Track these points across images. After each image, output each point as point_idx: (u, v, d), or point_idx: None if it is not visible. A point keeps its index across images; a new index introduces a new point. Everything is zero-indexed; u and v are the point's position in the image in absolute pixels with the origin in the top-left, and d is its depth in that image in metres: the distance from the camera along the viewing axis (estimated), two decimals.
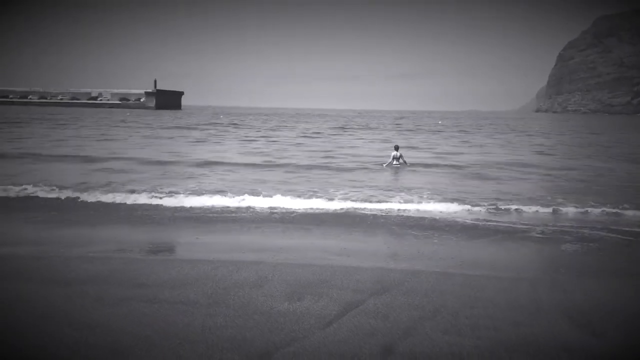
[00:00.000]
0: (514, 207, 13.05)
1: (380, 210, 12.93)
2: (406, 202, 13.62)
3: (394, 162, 21.51)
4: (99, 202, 13.02)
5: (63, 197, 13.37)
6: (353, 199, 14.00)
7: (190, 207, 12.64)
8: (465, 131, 57.10)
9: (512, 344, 4.83)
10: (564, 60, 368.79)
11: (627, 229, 10.77)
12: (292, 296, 6.00)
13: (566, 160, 26.10)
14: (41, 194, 13.71)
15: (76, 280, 6.41)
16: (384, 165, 21.82)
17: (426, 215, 12.77)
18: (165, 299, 5.83)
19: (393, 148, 22.63)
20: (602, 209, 12.80)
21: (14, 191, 14.05)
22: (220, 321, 5.21)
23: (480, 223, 11.97)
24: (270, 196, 14.10)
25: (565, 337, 5.02)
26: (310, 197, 14.28)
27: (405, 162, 21.72)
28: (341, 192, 15.07)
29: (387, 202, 13.59)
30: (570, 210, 12.84)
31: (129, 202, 13.17)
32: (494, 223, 12.00)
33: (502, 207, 13.00)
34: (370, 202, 13.55)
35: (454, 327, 5.21)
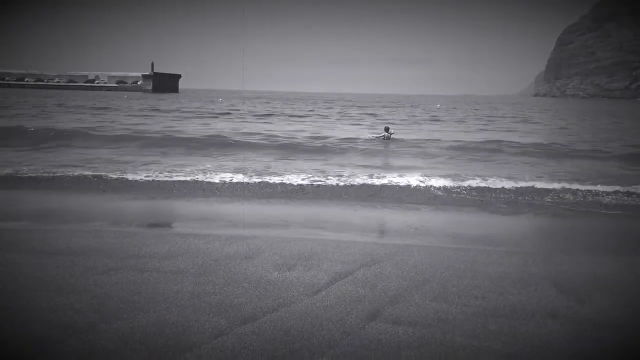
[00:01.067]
0: (507, 183, 13.07)
1: (374, 185, 12.94)
2: (400, 177, 13.65)
3: (383, 139, 23.63)
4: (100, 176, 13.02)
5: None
6: (347, 175, 14.03)
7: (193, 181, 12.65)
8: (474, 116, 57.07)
9: (498, 310, 4.86)
10: (563, 45, 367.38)
11: (617, 206, 10.80)
12: (282, 267, 6.02)
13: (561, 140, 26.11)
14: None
15: (66, 251, 6.42)
16: (370, 135, 24.46)
17: (418, 190, 12.79)
18: (154, 268, 5.85)
19: (384, 129, 24.59)
20: (598, 186, 12.83)
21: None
22: (208, 289, 5.23)
23: (473, 198, 12.00)
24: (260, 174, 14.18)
25: (551, 303, 5.05)
26: (306, 173, 14.32)
27: (391, 135, 23.78)
28: (336, 170, 15.07)
29: (381, 177, 13.61)
30: (562, 186, 12.85)
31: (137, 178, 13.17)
32: (487, 198, 12.03)
33: (496, 184, 13.01)
34: (364, 177, 13.57)
35: (442, 295, 5.23)
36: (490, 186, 12.90)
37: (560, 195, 12.21)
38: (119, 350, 3.88)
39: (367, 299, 5.05)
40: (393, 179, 13.56)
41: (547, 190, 12.39)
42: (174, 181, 12.91)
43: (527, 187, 12.62)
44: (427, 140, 24.32)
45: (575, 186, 12.96)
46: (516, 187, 12.65)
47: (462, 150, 21.32)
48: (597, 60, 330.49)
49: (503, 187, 12.73)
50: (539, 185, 12.98)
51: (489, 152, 20.91)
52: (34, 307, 4.62)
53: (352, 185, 12.88)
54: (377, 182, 13.28)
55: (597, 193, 12.34)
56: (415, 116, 49.71)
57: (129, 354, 3.83)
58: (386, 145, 22.59)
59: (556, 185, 12.93)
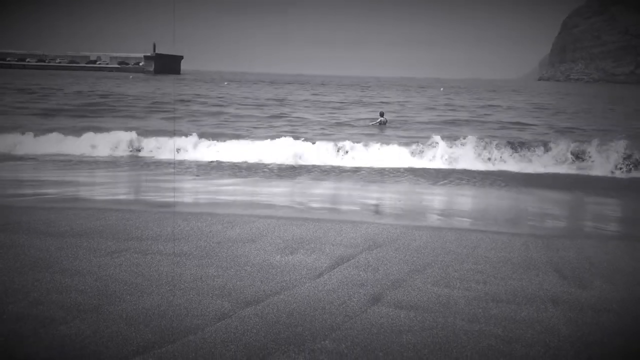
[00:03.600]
0: (509, 164, 13.08)
1: (375, 166, 12.97)
2: (401, 159, 13.68)
3: (379, 120, 24.17)
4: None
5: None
6: (349, 157, 14.05)
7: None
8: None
9: (500, 295, 4.89)
10: (568, 28, 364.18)
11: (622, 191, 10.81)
12: (284, 250, 6.05)
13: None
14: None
15: (69, 233, 6.46)
16: (370, 124, 24.32)
17: (421, 171, 12.81)
18: (158, 250, 5.88)
19: (379, 114, 25.06)
20: (603, 171, 12.83)
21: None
22: (212, 271, 5.26)
23: (475, 179, 12.01)
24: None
25: (552, 289, 5.08)
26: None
27: (386, 120, 24.25)
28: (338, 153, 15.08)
29: (381, 160, 13.64)
30: (569, 171, 12.86)
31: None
32: (490, 179, 12.04)
33: (497, 165, 13.02)
34: (368, 159, 13.60)
35: (444, 279, 5.26)
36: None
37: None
38: (123, 332, 3.91)
39: (369, 283, 5.08)
40: (388, 163, 13.58)
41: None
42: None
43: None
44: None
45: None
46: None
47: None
48: (603, 44, 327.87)
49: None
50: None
51: None
52: (39, 288, 4.66)
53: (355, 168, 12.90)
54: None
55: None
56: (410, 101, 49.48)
57: (132, 335, 3.87)
58: (381, 131, 22.56)
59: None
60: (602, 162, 13.48)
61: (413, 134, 20.33)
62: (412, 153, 14.36)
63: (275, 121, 25.88)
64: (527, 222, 8.49)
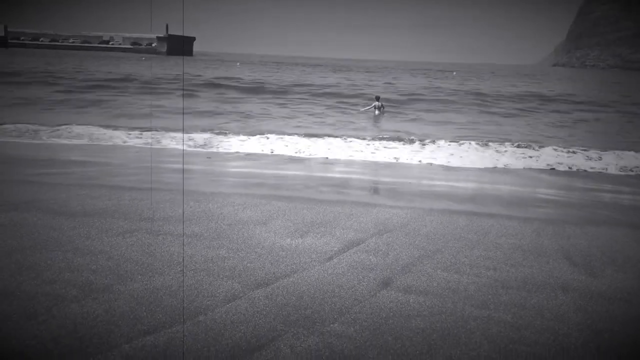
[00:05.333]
0: (521, 151, 12.98)
1: (384, 154, 12.92)
2: (410, 144, 13.62)
3: (376, 112, 22.43)
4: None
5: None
6: (353, 142, 14.00)
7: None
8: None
9: (510, 282, 4.88)
10: (585, 14, 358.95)
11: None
12: (294, 234, 6.06)
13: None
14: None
15: (81, 213, 6.51)
16: (361, 109, 23.24)
17: (431, 158, 12.75)
18: (169, 231, 5.92)
19: (374, 98, 23.42)
20: (615, 158, 12.71)
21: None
22: (222, 253, 5.29)
23: (487, 166, 11.95)
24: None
25: (563, 277, 5.06)
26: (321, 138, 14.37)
27: (383, 107, 22.82)
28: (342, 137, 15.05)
29: (388, 147, 13.58)
30: (582, 157, 12.74)
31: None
32: (501, 166, 11.98)
33: (509, 150, 12.92)
34: (375, 145, 13.55)
35: (453, 265, 5.25)
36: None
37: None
38: (134, 311, 3.95)
39: (378, 267, 5.09)
40: (395, 150, 13.52)
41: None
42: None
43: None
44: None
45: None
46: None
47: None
48: (619, 30, 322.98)
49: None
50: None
51: None
52: (52, 267, 4.71)
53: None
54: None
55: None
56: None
57: (144, 314, 3.91)
58: (375, 121, 21.51)
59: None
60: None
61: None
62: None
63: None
64: (538, 208, 8.44)
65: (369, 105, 23.26)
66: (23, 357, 3.29)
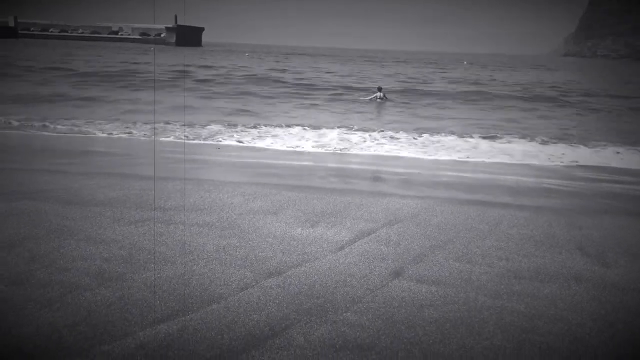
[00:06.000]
0: (532, 143, 12.90)
1: (394, 144, 12.88)
2: (419, 135, 13.57)
3: (378, 100, 24.18)
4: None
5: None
6: (363, 134, 13.96)
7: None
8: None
9: (522, 272, 4.86)
10: (596, 4, 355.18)
11: None
12: (305, 223, 6.06)
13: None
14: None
15: (92, 202, 6.53)
16: (368, 99, 24.59)
17: (442, 149, 12.70)
18: (181, 221, 5.93)
19: (377, 89, 25.44)
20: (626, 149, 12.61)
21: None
22: (234, 242, 5.30)
23: (496, 159, 11.90)
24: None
25: (576, 267, 5.03)
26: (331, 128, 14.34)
27: (386, 97, 24.50)
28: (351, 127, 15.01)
29: (397, 137, 13.54)
30: (593, 149, 12.65)
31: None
32: (511, 159, 11.91)
33: (520, 142, 12.85)
34: (384, 137, 13.51)
35: (465, 255, 5.24)
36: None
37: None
38: (147, 300, 3.97)
39: (390, 257, 5.08)
40: (406, 140, 13.47)
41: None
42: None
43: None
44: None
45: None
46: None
47: None
48: (631, 20, 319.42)
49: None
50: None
51: None
52: (64, 255, 4.74)
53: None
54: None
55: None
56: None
57: (157, 303, 3.92)
58: (378, 112, 21.89)
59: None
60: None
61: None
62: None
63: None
64: (549, 199, 8.39)
65: (372, 95, 24.83)
66: (38, 344, 3.31)
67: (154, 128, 14.40)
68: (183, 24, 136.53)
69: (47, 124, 14.69)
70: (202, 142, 13.17)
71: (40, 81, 28.43)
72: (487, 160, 11.89)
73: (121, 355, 3.22)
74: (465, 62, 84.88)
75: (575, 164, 11.80)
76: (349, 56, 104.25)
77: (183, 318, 3.72)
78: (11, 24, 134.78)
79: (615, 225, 6.63)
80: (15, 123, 14.69)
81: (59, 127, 14.48)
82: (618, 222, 6.83)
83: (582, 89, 37.01)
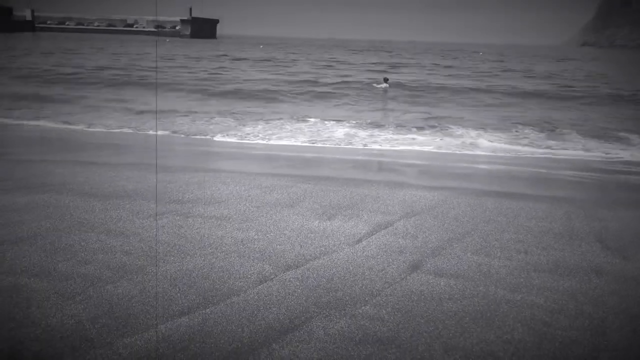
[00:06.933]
0: (549, 136, 12.78)
1: (408, 137, 12.84)
2: (432, 128, 13.51)
3: (382, 88, 25.75)
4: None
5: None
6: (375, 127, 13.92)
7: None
8: None
9: (541, 265, 4.83)
10: None
11: None
12: (322, 216, 6.07)
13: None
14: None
15: (112, 195, 6.59)
16: (375, 85, 26.50)
17: (458, 142, 12.63)
18: (199, 214, 5.96)
19: (383, 80, 27.13)
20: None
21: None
22: (252, 235, 5.32)
23: (514, 151, 11.81)
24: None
25: (595, 260, 4.99)
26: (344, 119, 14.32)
27: (389, 86, 26.04)
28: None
29: (410, 130, 13.50)
30: (610, 142, 12.51)
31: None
32: (530, 152, 11.82)
33: (539, 136, 12.73)
34: (396, 131, 13.47)
35: (484, 248, 5.21)
36: None
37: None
38: (168, 292, 4.01)
39: (408, 250, 5.07)
40: (420, 134, 13.41)
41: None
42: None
43: None
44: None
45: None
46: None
47: None
48: None
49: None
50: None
51: None
52: (86, 248, 4.79)
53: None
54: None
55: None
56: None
57: (177, 296, 3.96)
58: (384, 103, 22.31)
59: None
60: None
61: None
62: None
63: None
64: (568, 190, 8.32)
65: (379, 84, 26.52)
66: (63, 335, 3.36)
67: (157, 116, 14.47)
68: (198, 16, 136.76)
69: (67, 119, 14.83)
70: (217, 137, 13.21)
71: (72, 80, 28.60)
72: (502, 154, 11.81)
73: (144, 347, 3.26)
74: (481, 53, 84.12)
75: (593, 155, 11.68)
76: (362, 47, 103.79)
77: (204, 311, 3.75)
78: (28, 17, 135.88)
79: (635, 218, 6.57)
80: (38, 117, 14.85)
81: (77, 121, 14.62)
82: (638, 215, 6.76)
83: (606, 82, 36.49)
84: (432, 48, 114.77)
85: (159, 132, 13.33)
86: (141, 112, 16.38)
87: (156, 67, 34.50)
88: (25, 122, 14.07)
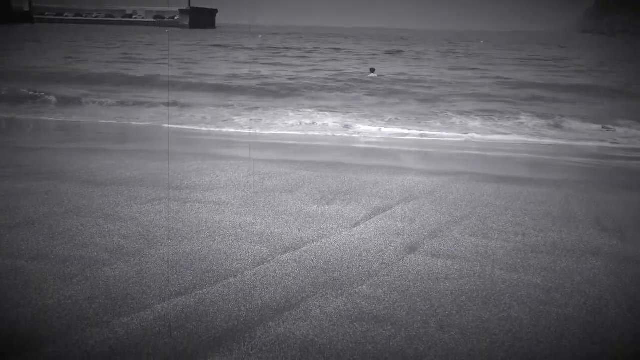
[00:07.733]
0: (547, 122, 12.78)
1: (408, 125, 12.83)
2: (431, 117, 13.51)
3: (369, 77, 26.00)
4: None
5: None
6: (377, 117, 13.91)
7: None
8: None
9: (539, 246, 4.84)
10: None
11: None
12: (321, 201, 6.07)
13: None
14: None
15: (110, 182, 6.59)
16: (369, 75, 26.57)
17: (457, 129, 12.63)
18: (197, 199, 5.97)
19: (369, 70, 27.52)
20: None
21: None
22: (250, 219, 5.33)
23: (514, 138, 11.81)
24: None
25: (593, 241, 5.00)
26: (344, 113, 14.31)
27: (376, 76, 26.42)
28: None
29: (411, 122, 13.49)
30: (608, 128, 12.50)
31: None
32: (530, 138, 11.82)
33: (536, 122, 12.73)
34: (397, 118, 13.46)
35: (481, 231, 5.22)
36: None
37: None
38: (165, 274, 4.01)
39: (405, 233, 5.08)
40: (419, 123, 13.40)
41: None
42: None
43: None
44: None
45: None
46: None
47: None
48: None
49: None
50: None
51: None
52: (83, 232, 4.80)
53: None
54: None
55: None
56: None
57: (175, 277, 3.97)
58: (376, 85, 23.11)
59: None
60: None
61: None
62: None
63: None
64: (568, 174, 8.32)
65: (370, 74, 26.88)
66: (60, 315, 3.37)
67: (168, 105, 14.46)
68: (197, 5, 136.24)
69: (67, 107, 14.83)
70: (218, 126, 13.22)
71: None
72: (503, 138, 11.80)
73: (140, 326, 3.27)
74: (482, 42, 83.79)
75: (592, 140, 11.68)
76: (364, 35, 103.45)
77: (200, 291, 3.76)
78: (26, 8, 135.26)
79: (634, 201, 6.57)
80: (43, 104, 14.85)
81: (80, 110, 14.62)
82: (637, 198, 6.76)
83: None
84: (429, 37, 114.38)
85: (157, 124, 13.34)
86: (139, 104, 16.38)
87: (168, 61, 34.45)
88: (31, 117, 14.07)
